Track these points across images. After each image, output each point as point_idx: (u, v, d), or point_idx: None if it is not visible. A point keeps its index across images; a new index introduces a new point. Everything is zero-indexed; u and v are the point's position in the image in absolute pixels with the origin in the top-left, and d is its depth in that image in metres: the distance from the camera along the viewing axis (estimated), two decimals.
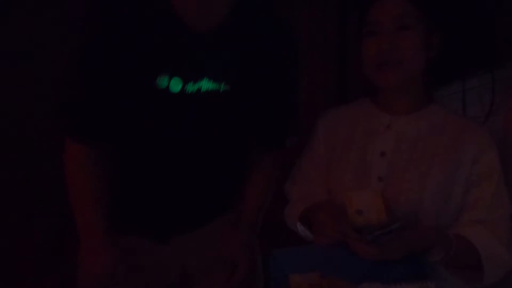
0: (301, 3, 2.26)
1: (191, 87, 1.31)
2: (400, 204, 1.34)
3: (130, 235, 1.46)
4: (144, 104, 1.34)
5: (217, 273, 1.47)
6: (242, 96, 1.38)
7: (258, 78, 1.38)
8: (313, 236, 1.46)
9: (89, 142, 1.37)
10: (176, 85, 1.31)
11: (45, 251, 2.14)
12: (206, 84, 1.32)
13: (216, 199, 1.51)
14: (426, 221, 1.34)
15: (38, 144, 2.14)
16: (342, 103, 1.72)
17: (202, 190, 1.47)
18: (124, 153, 1.42)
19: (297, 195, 1.54)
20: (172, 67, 1.30)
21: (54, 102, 1.42)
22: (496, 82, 1.58)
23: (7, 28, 2.11)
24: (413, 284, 1.20)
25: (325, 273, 1.24)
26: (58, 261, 2.03)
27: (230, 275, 1.45)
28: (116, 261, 1.38)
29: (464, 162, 1.38)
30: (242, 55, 1.35)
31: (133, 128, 1.37)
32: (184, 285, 1.54)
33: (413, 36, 1.39)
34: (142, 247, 1.47)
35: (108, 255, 1.38)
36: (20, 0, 2.12)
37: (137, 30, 1.28)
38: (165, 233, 1.48)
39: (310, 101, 2.11)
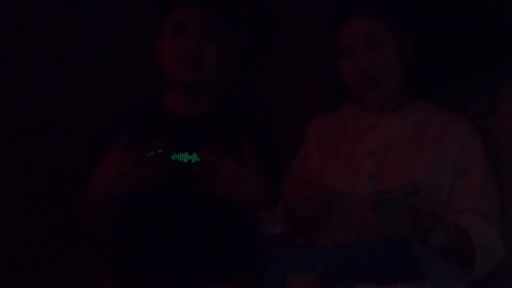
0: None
1: (180, 158, 1.58)
2: None
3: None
4: None
5: None
6: None
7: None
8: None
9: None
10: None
11: (48, 251, 2.15)
12: (195, 158, 1.58)
13: (215, 259, 1.57)
14: None
15: (39, 143, 2.16)
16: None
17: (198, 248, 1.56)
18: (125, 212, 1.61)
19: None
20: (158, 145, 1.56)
21: None
22: (496, 82, 1.57)
23: None
24: (408, 284, 1.20)
25: (322, 275, 1.25)
26: (61, 260, 2.05)
27: None
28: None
29: (449, 154, 1.40)
30: (224, 136, 1.60)
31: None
32: None
33: (386, 51, 1.42)
34: None
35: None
36: None
37: (132, 127, 1.61)
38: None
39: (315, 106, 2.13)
